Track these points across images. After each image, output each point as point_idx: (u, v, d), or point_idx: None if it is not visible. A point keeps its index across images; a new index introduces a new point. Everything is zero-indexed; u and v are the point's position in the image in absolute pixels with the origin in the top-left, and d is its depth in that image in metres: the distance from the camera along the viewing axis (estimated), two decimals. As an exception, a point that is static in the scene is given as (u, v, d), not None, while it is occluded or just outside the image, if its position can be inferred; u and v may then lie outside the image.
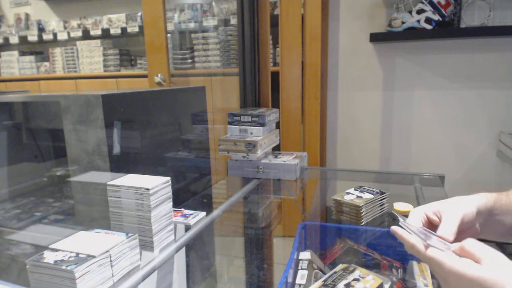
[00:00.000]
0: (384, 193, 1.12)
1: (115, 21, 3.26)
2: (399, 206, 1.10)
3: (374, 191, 1.13)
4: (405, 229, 0.56)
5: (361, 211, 1.04)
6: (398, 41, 2.17)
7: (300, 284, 0.82)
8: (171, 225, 0.80)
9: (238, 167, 1.36)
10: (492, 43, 2.03)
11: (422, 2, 1.98)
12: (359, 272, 0.83)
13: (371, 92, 2.29)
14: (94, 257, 0.59)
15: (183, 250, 0.84)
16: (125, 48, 3.39)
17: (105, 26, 3.30)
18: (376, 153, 2.34)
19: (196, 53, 2.90)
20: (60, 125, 0.97)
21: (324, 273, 0.87)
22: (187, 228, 0.86)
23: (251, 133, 1.33)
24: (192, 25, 2.94)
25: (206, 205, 1.32)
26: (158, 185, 0.74)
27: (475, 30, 1.97)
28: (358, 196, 1.09)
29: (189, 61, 2.91)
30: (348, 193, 1.12)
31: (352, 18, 2.25)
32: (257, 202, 1.41)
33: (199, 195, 1.37)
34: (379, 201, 1.09)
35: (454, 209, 0.57)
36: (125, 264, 0.66)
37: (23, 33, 3.60)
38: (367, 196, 1.09)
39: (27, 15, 3.67)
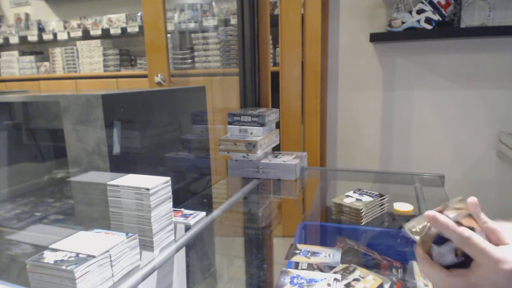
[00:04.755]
0: (384, 195, 1.11)
1: (115, 21, 3.26)
2: (399, 206, 1.10)
3: (373, 193, 1.13)
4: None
5: (361, 214, 1.04)
6: (398, 41, 2.17)
7: (300, 284, 0.82)
8: (171, 225, 0.80)
9: (238, 167, 1.36)
10: (492, 43, 2.03)
11: (422, 2, 1.98)
12: (359, 272, 0.83)
13: (371, 92, 2.29)
14: (94, 257, 0.59)
15: (183, 250, 0.84)
16: (125, 48, 3.39)
17: (105, 26, 3.30)
18: (376, 153, 2.34)
19: (196, 53, 2.90)
20: (60, 125, 0.97)
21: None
22: (187, 228, 0.86)
23: (251, 133, 1.33)
24: (192, 25, 2.94)
25: (206, 205, 1.32)
26: (158, 185, 0.74)
27: (475, 30, 1.97)
28: (357, 199, 1.09)
29: (189, 61, 2.92)
30: (348, 196, 1.12)
31: (352, 18, 2.25)
32: (257, 202, 1.41)
33: (199, 195, 1.37)
34: (378, 203, 1.09)
35: None
36: (125, 264, 0.66)
37: (23, 33, 3.60)
38: (366, 198, 1.09)
39: (27, 15, 3.67)
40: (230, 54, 2.80)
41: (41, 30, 3.57)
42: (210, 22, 2.88)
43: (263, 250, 1.39)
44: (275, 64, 2.64)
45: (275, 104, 2.03)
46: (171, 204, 0.79)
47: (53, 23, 3.53)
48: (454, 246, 0.49)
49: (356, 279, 0.81)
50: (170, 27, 2.94)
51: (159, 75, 2.33)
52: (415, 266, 0.93)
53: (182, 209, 0.93)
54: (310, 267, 0.90)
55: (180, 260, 0.84)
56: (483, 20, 1.97)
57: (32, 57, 3.61)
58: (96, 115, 0.92)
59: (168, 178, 0.77)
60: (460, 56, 2.09)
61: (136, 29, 3.17)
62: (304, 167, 1.46)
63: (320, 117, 2.22)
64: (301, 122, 2.22)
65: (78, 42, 3.39)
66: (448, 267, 0.50)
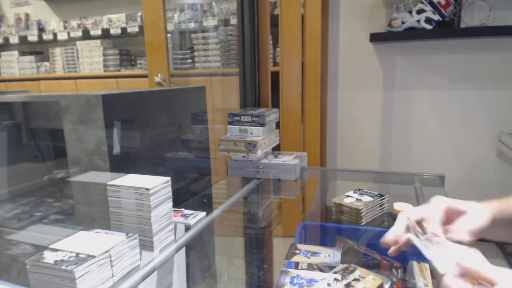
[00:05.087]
0: (384, 195, 1.11)
1: (115, 21, 3.26)
2: (399, 206, 1.10)
3: (373, 193, 1.13)
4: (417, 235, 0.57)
5: (361, 214, 1.04)
6: (398, 41, 2.17)
7: (300, 284, 0.82)
8: (171, 225, 0.80)
9: (238, 167, 1.36)
10: (492, 43, 2.03)
11: (422, 2, 1.98)
12: (359, 272, 0.83)
13: (371, 92, 2.29)
14: (94, 257, 0.59)
15: (183, 250, 0.84)
16: (125, 48, 3.39)
17: (105, 26, 3.30)
18: (376, 153, 2.34)
19: (196, 53, 2.90)
20: (60, 125, 0.97)
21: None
22: (187, 228, 0.86)
23: (251, 133, 1.33)
24: (192, 25, 2.94)
25: (206, 205, 1.32)
26: (158, 185, 0.74)
27: (475, 30, 1.97)
28: (357, 199, 1.09)
29: (189, 61, 2.92)
30: (348, 196, 1.12)
31: (352, 18, 2.25)
32: (257, 202, 1.41)
33: (199, 195, 1.37)
34: (378, 203, 1.09)
35: (475, 219, 0.60)
36: (125, 264, 0.66)
37: (23, 33, 3.60)
38: (366, 198, 1.09)
39: (27, 15, 3.67)
40: (230, 54, 2.80)
41: (41, 30, 3.57)
42: (210, 22, 2.88)
43: (263, 250, 1.39)
44: (275, 64, 2.64)
45: (275, 104, 2.03)
46: (171, 204, 0.79)
47: (53, 23, 3.53)
48: None
49: (356, 279, 0.81)
50: (170, 27, 2.94)
51: (159, 75, 2.33)
52: (415, 266, 0.93)
53: (182, 209, 0.93)
54: (310, 267, 0.90)
55: (180, 260, 0.84)
56: (483, 20, 1.97)
57: (32, 57, 3.61)
58: (96, 115, 0.92)
59: (168, 178, 0.77)
60: (460, 56, 2.09)
61: (136, 29, 3.17)
62: (304, 167, 1.46)
63: (320, 117, 2.22)
64: (301, 122, 2.22)
65: (78, 42, 3.39)
66: None
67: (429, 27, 1.98)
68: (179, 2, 3.00)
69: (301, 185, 1.40)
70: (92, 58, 3.34)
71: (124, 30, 3.23)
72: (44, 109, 1.16)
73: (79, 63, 3.40)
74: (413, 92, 2.21)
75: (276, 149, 1.52)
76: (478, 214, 0.61)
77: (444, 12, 1.95)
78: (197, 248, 1.06)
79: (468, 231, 0.59)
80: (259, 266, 1.29)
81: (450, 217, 0.64)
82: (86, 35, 3.38)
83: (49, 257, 0.59)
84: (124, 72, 3.26)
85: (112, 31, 3.26)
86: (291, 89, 2.16)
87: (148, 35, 2.31)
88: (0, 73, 3.74)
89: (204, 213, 0.93)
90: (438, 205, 0.64)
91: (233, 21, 2.85)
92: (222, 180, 1.47)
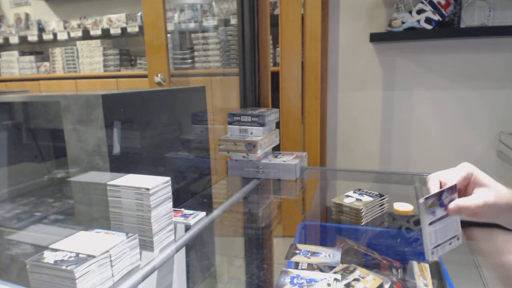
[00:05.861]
0: (384, 195, 1.11)
1: (115, 21, 3.26)
2: (399, 206, 1.10)
3: (373, 193, 1.13)
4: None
5: (361, 214, 1.04)
6: (398, 41, 2.17)
7: (300, 284, 0.82)
8: (171, 225, 0.80)
9: (238, 167, 1.36)
10: (492, 43, 2.03)
11: (422, 2, 1.98)
12: (359, 272, 0.83)
13: (371, 92, 2.29)
14: (94, 257, 0.59)
15: (183, 250, 0.84)
16: (125, 48, 3.39)
17: (105, 26, 3.30)
18: (376, 153, 2.34)
19: (196, 53, 2.90)
20: (60, 125, 0.97)
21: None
22: (187, 228, 0.86)
23: (251, 133, 1.33)
24: (192, 25, 2.94)
25: (206, 205, 1.32)
26: (158, 185, 0.74)
27: (475, 30, 1.97)
28: (357, 199, 1.09)
29: (189, 61, 2.92)
30: (348, 196, 1.12)
31: (352, 18, 2.25)
32: (257, 202, 1.41)
33: (199, 195, 1.37)
34: (378, 203, 1.09)
35: (490, 195, 0.62)
36: (125, 264, 0.66)
37: (23, 33, 3.60)
38: (366, 198, 1.09)
39: (27, 15, 3.67)
40: (230, 54, 2.80)
41: (41, 30, 3.57)
42: (210, 22, 2.88)
43: (263, 250, 1.39)
44: (275, 64, 2.64)
45: (275, 104, 2.03)
46: (171, 204, 0.79)
47: (53, 23, 3.53)
48: None
49: (356, 279, 0.81)
50: (170, 27, 2.94)
51: (159, 75, 2.33)
52: (415, 266, 0.93)
53: (182, 209, 0.93)
54: (310, 267, 0.90)
55: (180, 260, 0.84)
56: (483, 20, 1.97)
57: (32, 57, 3.61)
58: (96, 115, 0.92)
59: (168, 178, 0.77)
60: (460, 56, 2.09)
61: (136, 29, 3.17)
62: (304, 167, 1.46)
63: (320, 117, 2.22)
64: (301, 122, 2.22)
65: (78, 42, 3.39)
66: None
67: (429, 27, 1.98)
68: (179, 2, 3.00)
69: (301, 185, 1.40)
70: (92, 58, 3.34)
71: (124, 30, 3.23)
72: (44, 109, 1.16)
73: (79, 63, 3.40)
74: (413, 92, 2.21)
75: (276, 149, 1.52)
76: (486, 192, 0.62)
77: (444, 12, 1.95)
78: (197, 248, 1.06)
79: (460, 203, 0.61)
80: (259, 266, 1.29)
81: (470, 186, 0.65)
82: (86, 35, 3.38)
83: (49, 257, 0.59)
84: (124, 72, 3.26)
85: (112, 31, 3.26)
86: (291, 89, 2.16)
87: (148, 35, 2.31)
88: (0, 73, 3.74)
89: (204, 213, 0.93)
90: (463, 169, 0.65)
91: (233, 21, 2.85)
92: (222, 180, 1.47)
